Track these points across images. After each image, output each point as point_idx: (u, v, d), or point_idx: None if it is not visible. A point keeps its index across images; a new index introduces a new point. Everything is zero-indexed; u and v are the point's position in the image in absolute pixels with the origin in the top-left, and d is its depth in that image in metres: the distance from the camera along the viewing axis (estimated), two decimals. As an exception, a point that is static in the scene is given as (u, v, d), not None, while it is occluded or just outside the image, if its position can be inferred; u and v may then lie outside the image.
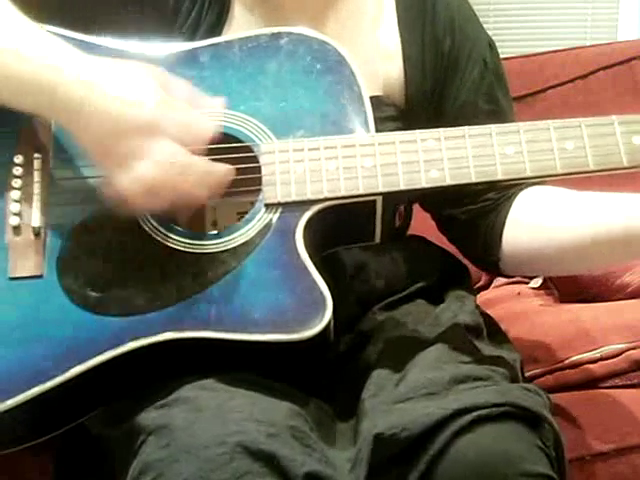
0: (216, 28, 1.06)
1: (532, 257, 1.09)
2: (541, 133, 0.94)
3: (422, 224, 1.21)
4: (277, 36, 1.01)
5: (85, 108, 0.88)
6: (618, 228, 0.99)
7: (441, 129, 0.95)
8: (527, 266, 1.14)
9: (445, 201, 1.13)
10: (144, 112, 0.88)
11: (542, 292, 1.57)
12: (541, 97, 1.76)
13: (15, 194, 0.95)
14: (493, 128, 0.95)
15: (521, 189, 1.10)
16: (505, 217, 1.09)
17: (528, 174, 0.94)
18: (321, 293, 0.89)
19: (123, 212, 0.90)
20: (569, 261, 1.08)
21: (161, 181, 0.88)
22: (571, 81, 1.77)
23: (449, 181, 0.93)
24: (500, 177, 0.94)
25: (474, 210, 1.11)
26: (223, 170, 0.91)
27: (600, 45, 1.98)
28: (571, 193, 1.06)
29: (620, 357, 1.25)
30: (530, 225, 1.08)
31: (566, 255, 1.05)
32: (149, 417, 0.86)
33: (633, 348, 1.26)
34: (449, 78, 1.11)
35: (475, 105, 1.11)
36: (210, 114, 0.94)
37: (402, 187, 0.94)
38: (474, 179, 0.94)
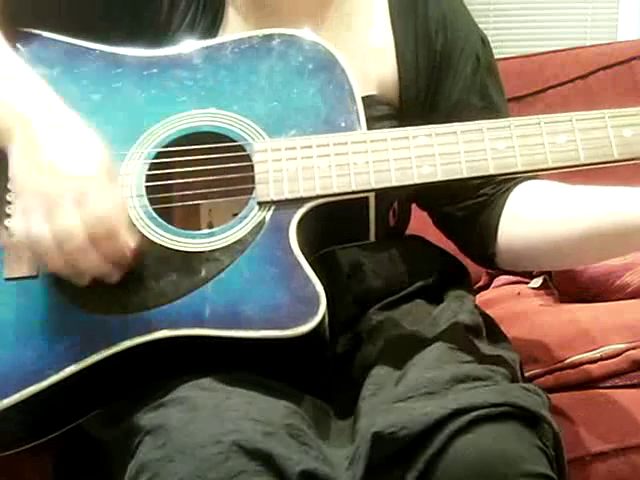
0: (210, 32, 1.07)
1: (527, 251, 1.09)
2: (532, 128, 0.95)
3: (421, 224, 1.21)
4: (269, 37, 1.02)
5: (22, 154, 0.90)
6: (611, 222, 0.99)
7: (432, 125, 0.96)
8: (522, 260, 1.14)
9: (441, 198, 1.13)
10: (76, 182, 0.88)
11: (542, 292, 1.57)
12: (541, 97, 1.77)
13: (10, 196, 0.95)
14: (484, 124, 0.96)
15: (516, 183, 1.10)
16: (500, 212, 1.09)
17: (519, 168, 0.94)
18: (314, 289, 0.90)
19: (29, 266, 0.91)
20: (564, 255, 1.08)
21: (51, 246, 0.87)
22: (571, 81, 1.77)
23: (441, 177, 0.94)
24: (492, 172, 0.94)
25: (470, 206, 1.11)
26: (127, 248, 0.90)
27: (600, 45, 1.98)
28: (566, 187, 1.07)
29: (620, 357, 1.25)
30: (525, 219, 1.08)
31: (561, 249, 1.05)
32: (146, 417, 0.87)
33: (633, 348, 1.26)
34: (442, 75, 1.11)
35: (468, 102, 1.11)
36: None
37: (394, 183, 0.94)
38: (465, 174, 0.94)
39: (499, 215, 1.09)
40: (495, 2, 2.88)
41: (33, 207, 0.88)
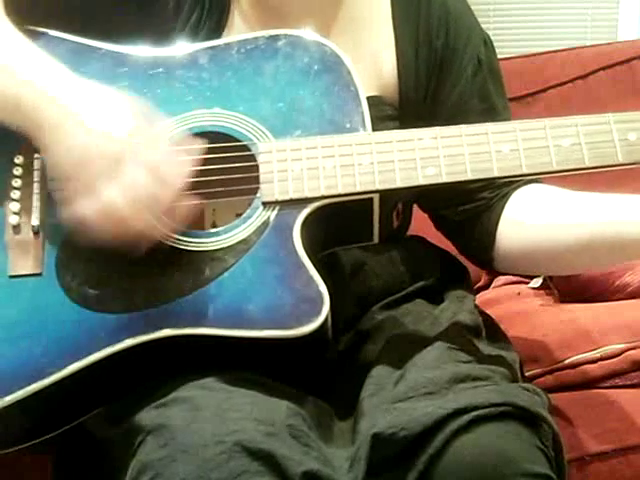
0: (215, 33, 1.07)
1: (525, 256, 1.09)
2: (537, 131, 0.95)
3: (422, 224, 1.21)
4: (275, 38, 1.02)
5: (55, 134, 0.89)
6: (611, 230, 0.99)
7: (437, 128, 0.96)
8: (520, 265, 1.15)
9: (440, 202, 1.13)
10: (111, 145, 0.88)
11: (542, 292, 1.57)
12: (541, 97, 1.77)
13: (15, 193, 0.96)
14: (489, 127, 0.96)
15: (515, 188, 1.10)
16: (499, 216, 1.09)
17: (524, 171, 0.95)
18: (318, 290, 0.90)
19: (80, 236, 0.90)
20: (562, 261, 1.08)
21: (127, 209, 0.88)
22: (571, 81, 1.77)
23: (445, 178, 0.94)
24: (496, 174, 0.95)
25: (469, 210, 1.11)
26: (181, 214, 0.91)
27: (600, 45, 1.98)
28: (565, 193, 1.07)
29: (620, 357, 1.25)
30: (523, 225, 1.08)
31: (559, 255, 1.06)
32: (148, 417, 0.86)
33: (633, 348, 1.26)
34: (443, 75, 1.11)
35: (468, 104, 1.11)
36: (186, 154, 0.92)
37: (399, 184, 0.94)
38: (470, 176, 0.94)
39: (497, 220, 1.09)
40: (496, 2, 2.88)
41: (84, 186, 0.88)
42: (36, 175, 0.97)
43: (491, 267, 1.14)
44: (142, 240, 0.90)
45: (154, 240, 0.90)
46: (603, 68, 1.77)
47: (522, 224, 1.08)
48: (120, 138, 0.89)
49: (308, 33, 1.02)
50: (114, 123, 0.90)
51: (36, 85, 0.91)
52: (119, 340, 0.89)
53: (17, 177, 0.96)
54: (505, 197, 1.10)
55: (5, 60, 0.92)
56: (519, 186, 1.10)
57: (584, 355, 1.26)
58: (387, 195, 0.99)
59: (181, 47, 1.03)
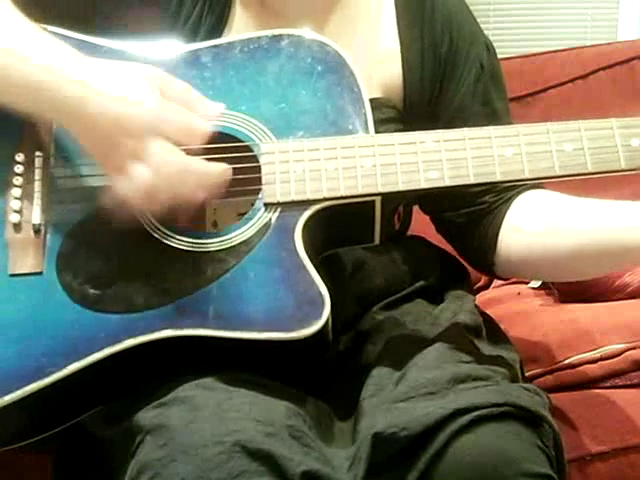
0: (216, 30, 1.07)
1: (526, 262, 1.09)
2: (540, 136, 0.95)
3: (422, 225, 1.21)
4: (278, 38, 1.02)
5: (84, 108, 0.88)
6: (613, 236, 1.00)
7: (440, 131, 0.96)
8: (521, 271, 1.15)
9: (442, 205, 1.13)
10: (143, 112, 0.88)
11: (542, 292, 1.57)
12: (541, 97, 1.77)
13: (16, 191, 0.95)
14: (492, 131, 0.95)
15: (518, 193, 1.10)
16: (501, 222, 1.09)
17: (526, 176, 0.94)
18: (319, 292, 0.90)
19: (121, 213, 0.90)
20: (564, 267, 1.08)
21: (159, 184, 0.88)
22: (571, 81, 1.77)
23: (447, 182, 0.94)
24: (498, 178, 0.94)
25: (470, 214, 1.11)
26: (220, 170, 0.91)
27: (600, 45, 1.98)
28: (567, 199, 1.07)
29: (620, 357, 1.25)
30: (524, 231, 1.08)
31: (561, 262, 1.06)
32: (147, 417, 0.86)
33: (633, 348, 1.26)
34: (446, 80, 1.11)
35: (470, 108, 1.11)
36: (208, 117, 0.93)
37: (401, 187, 0.94)
38: (472, 180, 0.94)
39: (499, 225, 1.09)
40: (496, 2, 2.88)
41: (123, 158, 0.88)
42: (37, 173, 0.96)
43: (492, 272, 1.14)
44: (186, 205, 0.91)
45: (196, 205, 0.91)
46: (603, 68, 1.77)
47: (524, 230, 1.08)
48: (142, 109, 0.88)
49: (311, 33, 1.02)
50: (137, 91, 0.89)
51: (51, 66, 0.90)
52: (119, 340, 0.89)
53: (18, 175, 0.96)
54: (508, 202, 1.09)
55: (13, 44, 0.91)
56: (521, 191, 1.10)
57: (584, 355, 1.26)
58: (389, 198, 0.98)
59: (183, 45, 1.03)
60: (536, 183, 1.10)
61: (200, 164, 0.90)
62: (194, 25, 1.06)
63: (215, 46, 1.02)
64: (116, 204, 0.90)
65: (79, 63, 0.90)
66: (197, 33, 1.06)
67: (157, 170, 0.88)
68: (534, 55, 1.87)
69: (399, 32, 1.10)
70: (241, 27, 1.07)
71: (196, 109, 0.92)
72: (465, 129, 0.96)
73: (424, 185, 0.94)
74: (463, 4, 1.15)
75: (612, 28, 2.87)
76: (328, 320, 0.89)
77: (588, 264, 1.06)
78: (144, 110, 0.88)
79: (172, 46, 1.02)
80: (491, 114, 1.11)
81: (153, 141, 0.88)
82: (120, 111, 0.88)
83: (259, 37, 1.02)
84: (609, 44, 1.99)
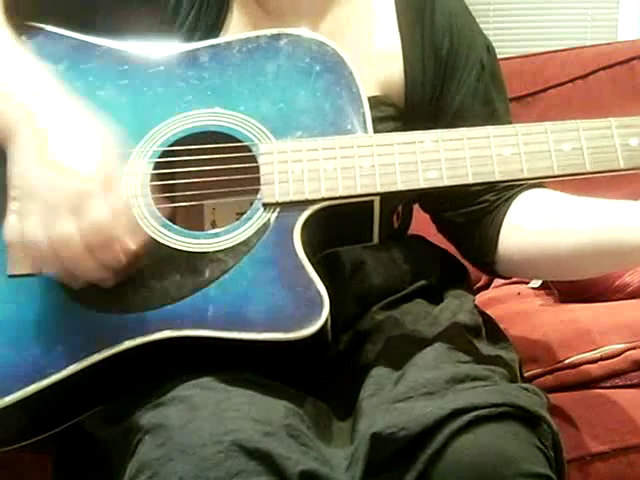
0: (214, 30, 1.07)
1: (527, 261, 1.09)
2: (538, 135, 0.95)
3: (422, 224, 1.21)
4: (276, 37, 1.01)
5: (27, 155, 0.88)
6: (614, 236, 1.00)
7: (439, 131, 0.95)
8: (522, 270, 1.15)
9: (442, 204, 1.13)
10: (80, 182, 0.86)
11: (542, 292, 1.57)
12: (541, 97, 1.77)
13: (15, 191, 0.95)
14: (490, 130, 0.95)
15: (518, 192, 1.10)
16: (502, 220, 1.09)
17: (525, 175, 0.94)
18: (318, 292, 0.89)
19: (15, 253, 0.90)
20: (564, 267, 1.08)
21: (60, 250, 0.86)
22: (571, 81, 1.77)
23: (446, 182, 0.94)
24: (497, 178, 0.94)
25: (471, 213, 1.11)
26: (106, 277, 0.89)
27: (600, 45, 1.98)
28: (568, 198, 1.07)
29: (620, 357, 1.25)
30: (525, 230, 1.08)
31: (561, 261, 1.06)
32: (145, 416, 0.86)
33: (633, 348, 1.26)
34: (446, 81, 1.11)
35: (470, 108, 1.11)
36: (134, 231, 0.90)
37: (400, 187, 0.94)
38: (471, 180, 0.94)
39: (500, 225, 1.09)
40: (495, 2, 2.88)
41: (32, 211, 0.87)
42: None
43: (493, 271, 1.14)
44: (81, 279, 0.89)
45: (94, 279, 0.89)
46: (603, 68, 1.77)
47: (524, 229, 1.08)
48: (90, 176, 0.87)
49: (310, 32, 1.02)
50: (85, 159, 0.88)
51: (17, 100, 0.90)
52: (118, 342, 0.89)
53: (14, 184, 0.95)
54: (508, 201, 1.09)
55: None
56: (522, 190, 1.10)
57: (584, 355, 1.26)
58: (388, 197, 0.98)
59: (182, 45, 1.02)
60: (536, 183, 1.10)
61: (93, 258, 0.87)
62: (191, 25, 1.06)
63: (213, 46, 1.02)
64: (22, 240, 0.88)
65: (46, 102, 0.90)
66: (194, 33, 1.05)
67: (53, 238, 0.85)
68: (534, 55, 1.87)
69: (400, 31, 1.10)
70: (238, 27, 1.07)
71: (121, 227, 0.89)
72: (464, 129, 0.96)
73: (423, 185, 0.94)
74: (463, 6, 1.15)
75: (612, 28, 2.88)
76: (327, 320, 0.89)
77: (588, 263, 1.06)
78: (83, 180, 0.87)
79: (170, 46, 1.02)
80: (491, 114, 1.11)
81: (90, 203, 0.86)
82: (56, 180, 0.86)
83: (257, 36, 1.02)
84: (609, 44, 1.99)
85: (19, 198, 0.89)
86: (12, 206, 0.91)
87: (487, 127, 0.96)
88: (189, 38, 1.05)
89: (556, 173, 0.94)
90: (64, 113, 0.91)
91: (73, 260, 0.87)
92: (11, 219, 0.91)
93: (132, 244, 0.88)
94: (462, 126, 0.96)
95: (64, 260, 0.87)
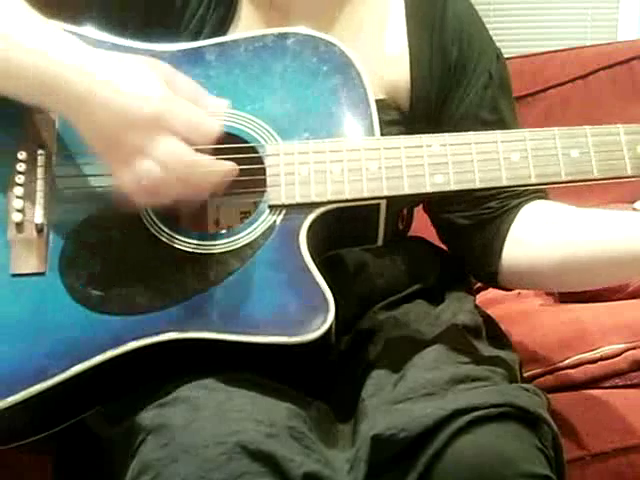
0: (221, 29, 1.06)
1: (534, 274, 1.09)
2: (546, 141, 0.95)
3: (422, 224, 1.21)
4: (283, 36, 1.01)
5: (88, 101, 0.88)
6: (620, 248, 1.00)
7: (447, 135, 0.95)
8: (527, 281, 1.15)
9: (445, 205, 1.13)
10: (149, 106, 0.87)
11: (542, 292, 1.57)
12: (541, 97, 1.77)
13: (18, 190, 0.95)
14: (498, 135, 0.95)
15: (525, 202, 1.09)
16: (506, 231, 1.09)
17: (533, 181, 0.94)
18: (324, 296, 0.89)
19: (125, 207, 0.90)
20: (573, 279, 1.08)
21: (164, 180, 0.88)
22: (571, 81, 1.77)
23: (453, 186, 0.94)
24: (505, 183, 0.94)
25: (473, 217, 1.10)
26: (225, 169, 0.91)
27: (600, 45, 1.98)
28: (574, 211, 1.07)
29: (620, 357, 1.25)
30: (530, 244, 1.07)
31: (569, 273, 1.06)
32: (148, 416, 0.86)
33: (633, 348, 1.26)
34: (453, 87, 1.11)
35: (477, 115, 1.10)
36: (214, 114, 0.92)
37: (407, 191, 0.94)
38: (478, 185, 0.94)
39: (505, 235, 1.09)
40: (495, 2, 2.88)
41: (127, 153, 0.87)
42: (40, 172, 0.96)
43: (495, 281, 1.13)
44: (189, 202, 0.91)
45: (201, 201, 0.91)
46: (603, 68, 1.77)
47: (533, 242, 1.07)
48: (150, 102, 0.87)
49: (317, 32, 1.01)
50: (144, 85, 0.88)
51: (56, 58, 0.89)
52: (123, 342, 0.88)
53: (20, 173, 0.95)
54: (513, 211, 1.09)
55: (18, 36, 0.90)
56: (527, 201, 1.09)
57: (584, 355, 1.26)
58: (394, 201, 0.98)
59: (189, 43, 1.02)
60: (540, 192, 1.10)
61: (206, 161, 0.90)
62: (198, 24, 1.05)
63: (220, 44, 1.01)
64: (120, 200, 0.90)
65: (85, 55, 0.90)
66: (201, 32, 1.05)
67: (163, 165, 0.87)
68: (534, 55, 1.87)
69: (408, 35, 1.10)
70: (246, 25, 1.07)
71: (203, 105, 0.92)
72: (471, 133, 0.95)
73: (430, 189, 0.94)
74: (474, 13, 1.15)
75: (612, 28, 2.87)
76: (332, 325, 0.89)
77: (600, 275, 1.06)
78: (150, 104, 0.87)
79: (176, 44, 1.01)
80: (498, 122, 1.11)
81: (159, 135, 0.87)
82: (126, 104, 0.87)
83: (264, 35, 1.01)
84: (609, 44, 1.99)
85: (104, 151, 0.89)
86: (15, 201, 0.91)
87: (495, 132, 0.96)
88: (196, 38, 1.04)
89: (564, 179, 0.94)
90: (101, 56, 0.91)
91: (189, 172, 0.88)
92: (14, 216, 0.91)
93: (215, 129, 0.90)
94: (467, 132, 0.96)
95: (183, 178, 0.88)
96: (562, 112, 1.72)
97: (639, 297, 1.49)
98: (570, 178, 0.94)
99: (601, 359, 1.26)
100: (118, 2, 1.05)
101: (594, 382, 1.24)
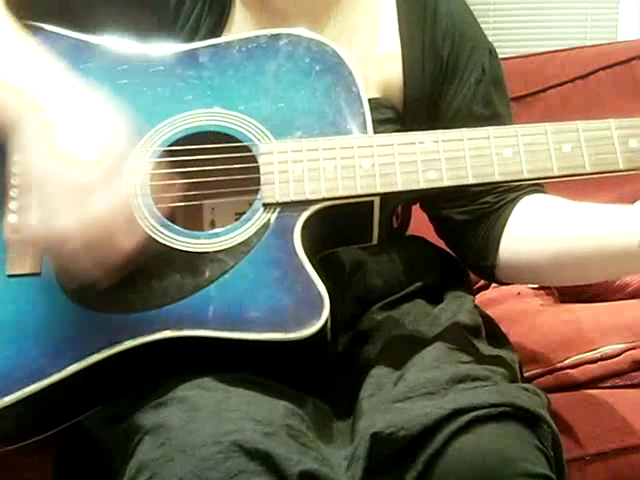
0: (216, 31, 1.07)
1: (531, 268, 1.09)
2: (538, 136, 0.95)
3: (422, 224, 1.21)
4: (276, 37, 1.01)
5: (29, 145, 0.87)
6: (616, 242, 0.99)
7: (439, 131, 0.96)
8: (524, 275, 1.15)
9: (442, 201, 1.13)
10: (82, 176, 0.85)
11: (542, 292, 1.57)
12: (541, 97, 1.77)
13: (14, 191, 0.94)
14: (491, 131, 0.95)
15: (522, 195, 1.10)
16: (504, 225, 1.09)
17: (525, 176, 0.94)
18: (318, 292, 0.90)
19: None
20: (568, 273, 1.08)
21: (58, 246, 0.85)
22: (571, 81, 1.77)
23: (446, 182, 0.94)
24: (497, 179, 0.94)
25: (470, 212, 1.11)
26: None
27: (600, 45, 1.98)
28: (571, 204, 1.07)
29: (620, 357, 1.25)
30: (527, 238, 1.08)
31: (565, 268, 1.06)
32: (145, 416, 0.87)
33: (633, 348, 1.26)
34: (446, 83, 1.11)
35: (470, 110, 1.11)
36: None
37: (400, 188, 0.94)
38: (471, 181, 0.94)
39: (501, 229, 1.09)
40: (495, 2, 2.88)
41: (32, 203, 0.85)
42: None
43: (492, 275, 1.13)
44: (78, 277, 0.88)
45: (90, 278, 0.88)
46: (603, 68, 1.77)
47: (529, 236, 1.08)
48: (92, 167, 0.86)
49: (309, 33, 1.01)
50: (89, 148, 0.87)
51: (23, 93, 0.89)
52: (118, 341, 0.89)
53: (16, 175, 0.95)
54: (510, 205, 1.09)
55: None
56: (524, 194, 1.10)
57: (584, 355, 1.26)
58: (388, 198, 0.98)
59: (182, 45, 1.02)
60: (536, 186, 1.10)
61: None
62: (193, 26, 1.06)
63: (213, 45, 1.02)
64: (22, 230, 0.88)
65: (50, 91, 0.89)
66: (196, 33, 1.05)
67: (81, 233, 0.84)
68: (534, 55, 1.87)
69: (400, 33, 1.10)
70: (241, 27, 1.07)
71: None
72: (464, 129, 0.96)
73: (423, 185, 0.94)
74: (466, 9, 1.15)
75: (612, 28, 2.88)
76: (327, 321, 0.89)
77: (596, 269, 1.06)
78: (85, 174, 0.85)
79: (169, 45, 1.02)
80: (492, 117, 1.11)
81: (70, 207, 0.84)
82: (63, 170, 0.85)
83: (257, 36, 1.02)
84: (609, 44, 1.99)
85: (19, 186, 0.88)
86: (11, 202, 0.90)
87: (487, 127, 0.96)
88: (191, 38, 1.04)
89: (556, 174, 0.94)
90: (66, 97, 0.90)
91: (72, 256, 0.86)
92: (10, 217, 0.91)
93: (127, 244, 0.87)
94: (461, 127, 0.96)
95: (63, 256, 0.86)
96: (562, 112, 1.72)
97: (639, 297, 1.49)
98: (563, 173, 0.94)
99: (601, 359, 1.25)
100: (113, 3, 1.05)
101: (594, 382, 1.24)
